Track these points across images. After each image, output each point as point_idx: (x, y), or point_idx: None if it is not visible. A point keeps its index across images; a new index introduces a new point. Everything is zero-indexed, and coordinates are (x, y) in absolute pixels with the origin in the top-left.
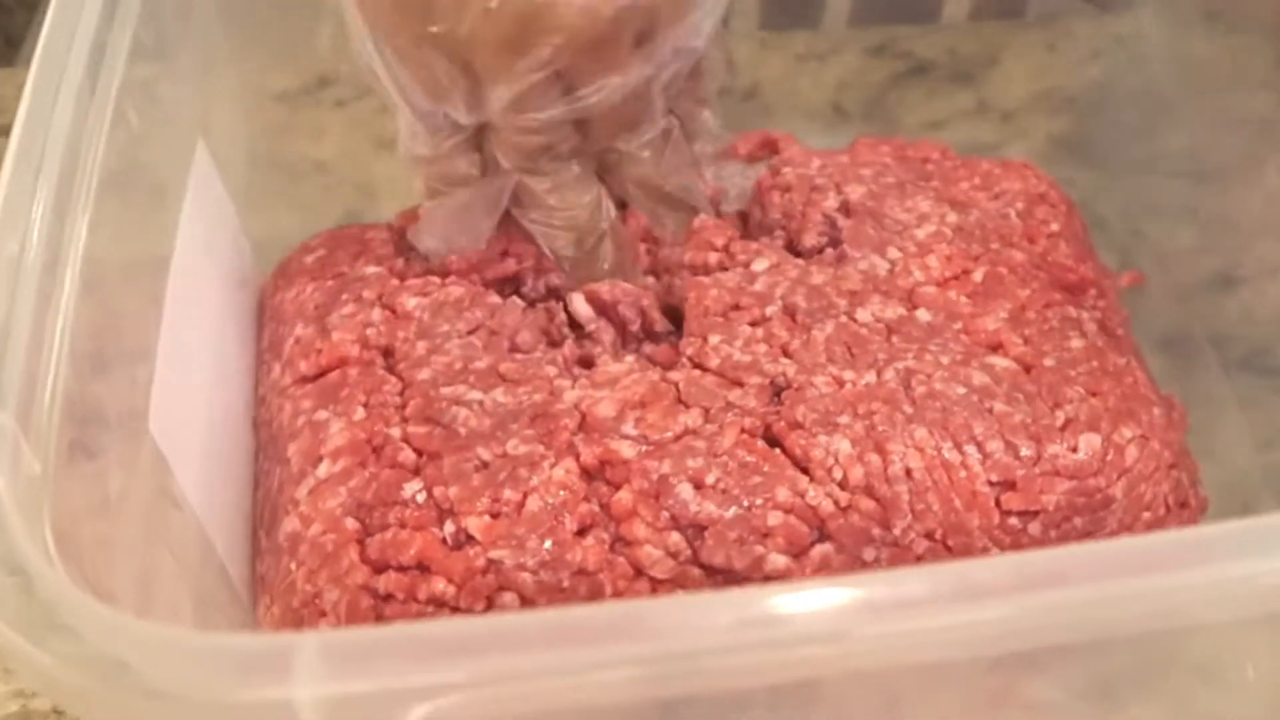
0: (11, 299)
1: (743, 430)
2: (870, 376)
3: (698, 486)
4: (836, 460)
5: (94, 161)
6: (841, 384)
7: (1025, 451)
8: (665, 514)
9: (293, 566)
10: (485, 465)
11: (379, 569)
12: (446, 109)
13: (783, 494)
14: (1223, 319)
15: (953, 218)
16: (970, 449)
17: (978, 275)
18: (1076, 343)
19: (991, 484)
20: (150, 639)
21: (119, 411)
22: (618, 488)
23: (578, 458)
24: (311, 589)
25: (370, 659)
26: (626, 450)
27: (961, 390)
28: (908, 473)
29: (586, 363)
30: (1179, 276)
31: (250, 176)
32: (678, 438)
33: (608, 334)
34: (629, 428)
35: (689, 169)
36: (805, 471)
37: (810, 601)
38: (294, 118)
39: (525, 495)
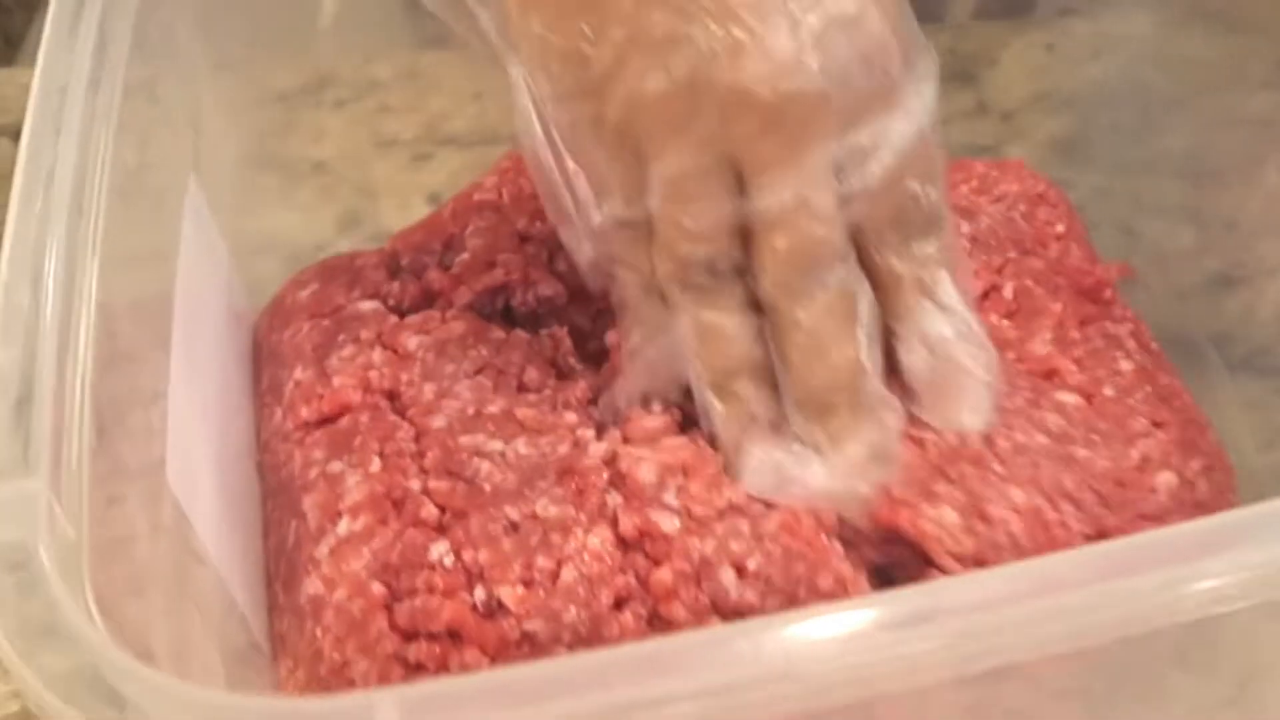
0: (32, 359)
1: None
2: (949, 435)
3: (740, 573)
4: (949, 533)
5: (99, 206)
6: (921, 444)
7: (1115, 499)
8: (705, 598)
9: (318, 633)
10: (515, 527)
11: (409, 637)
12: (615, 202)
13: (825, 583)
14: (1223, 319)
15: (965, 227)
16: (1065, 505)
17: (1007, 292)
18: (1125, 364)
19: (1086, 537)
20: (224, 709)
21: (139, 464)
22: (657, 563)
23: (613, 524)
24: (339, 657)
25: (451, 710)
26: (667, 524)
27: (1043, 439)
28: (1012, 539)
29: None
30: (1179, 276)
31: (250, 177)
32: (721, 515)
33: None
34: (670, 497)
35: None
36: (918, 548)
37: (769, 641)
38: (294, 118)
39: (559, 564)
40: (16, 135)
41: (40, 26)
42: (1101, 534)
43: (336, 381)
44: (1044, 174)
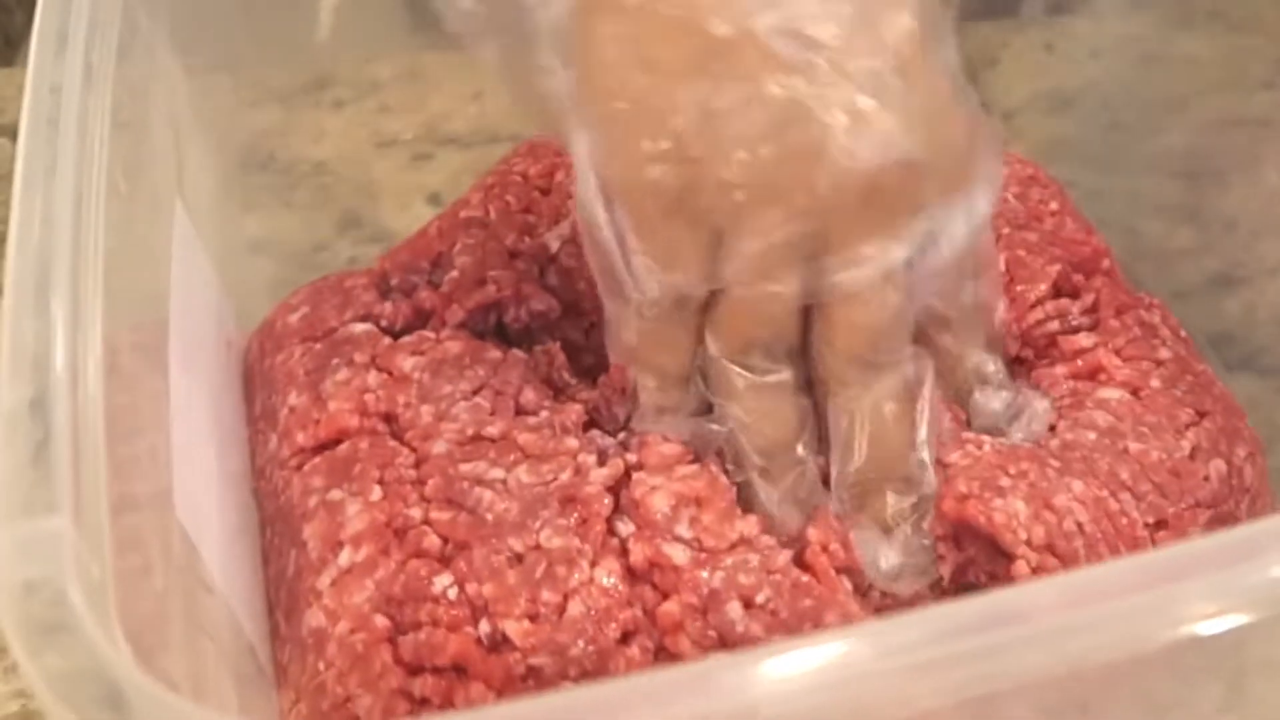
0: (46, 396)
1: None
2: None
3: (747, 606)
4: (1019, 521)
5: (98, 233)
6: (979, 446)
7: (1172, 488)
8: (712, 632)
9: (321, 666)
10: (519, 559)
11: (413, 671)
12: (677, 278)
13: (832, 619)
14: (1223, 319)
15: None
16: (1124, 495)
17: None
18: (1164, 352)
19: (1148, 525)
20: None
21: (149, 495)
22: (665, 595)
23: (620, 555)
24: (343, 691)
25: None
26: (679, 556)
27: (1092, 435)
28: (1079, 527)
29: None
30: (1179, 276)
31: (249, 177)
32: (732, 547)
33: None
34: (683, 529)
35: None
36: (992, 539)
37: (759, 671)
38: (293, 118)
39: (565, 597)
40: (15, 135)
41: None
42: (1161, 522)
43: (332, 406)
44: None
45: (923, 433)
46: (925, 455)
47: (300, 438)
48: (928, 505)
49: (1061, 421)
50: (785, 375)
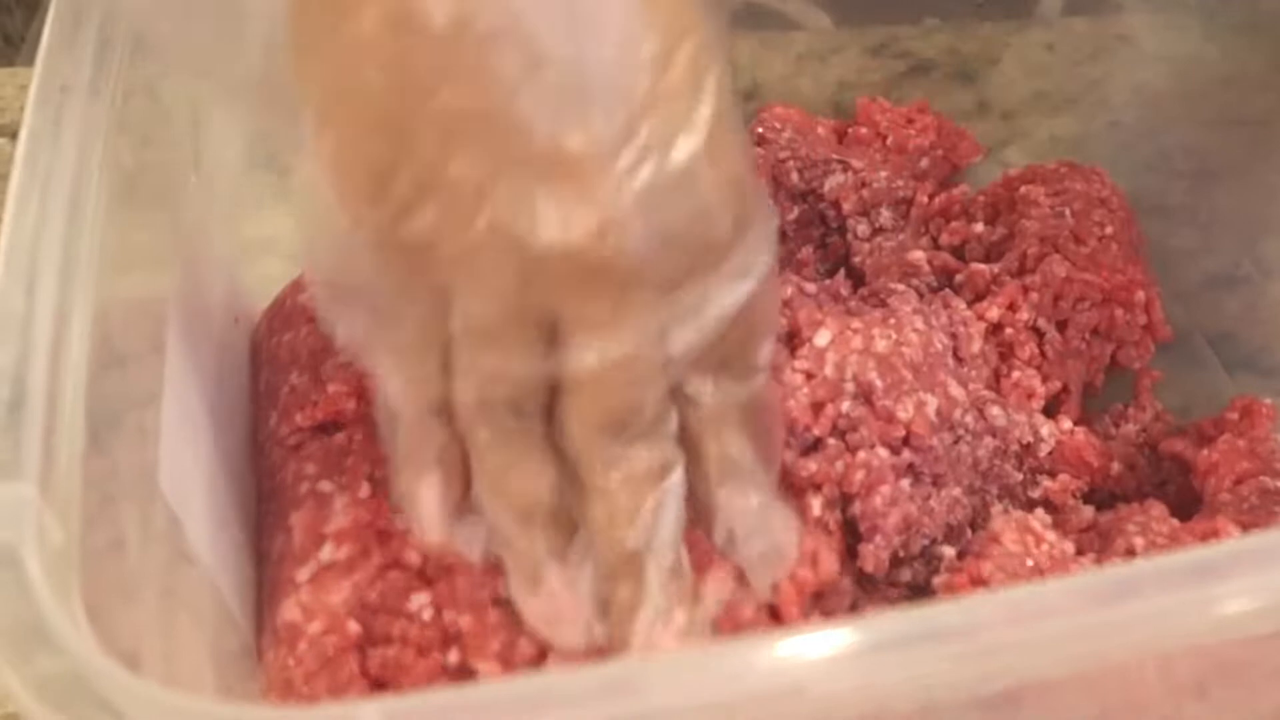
0: (25, 361)
1: None
2: None
3: None
4: None
5: (97, 208)
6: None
7: None
8: None
9: (291, 662)
10: (504, 601)
11: (378, 685)
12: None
13: None
14: (1223, 319)
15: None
16: None
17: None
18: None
19: None
20: (205, 715)
21: (132, 467)
22: None
23: None
24: (308, 692)
25: None
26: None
27: None
28: None
29: None
30: (1179, 276)
31: (250, 177)
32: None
33: None
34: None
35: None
36: None
37: (775, 654)
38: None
39: (543, 655)
40: (16, 135)
41: (40, 26)
42: None
43: (331, 388)
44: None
45: (668, 527)
46: (669, 559)
47: (299, 418)
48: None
49: None
50: (535, 432)
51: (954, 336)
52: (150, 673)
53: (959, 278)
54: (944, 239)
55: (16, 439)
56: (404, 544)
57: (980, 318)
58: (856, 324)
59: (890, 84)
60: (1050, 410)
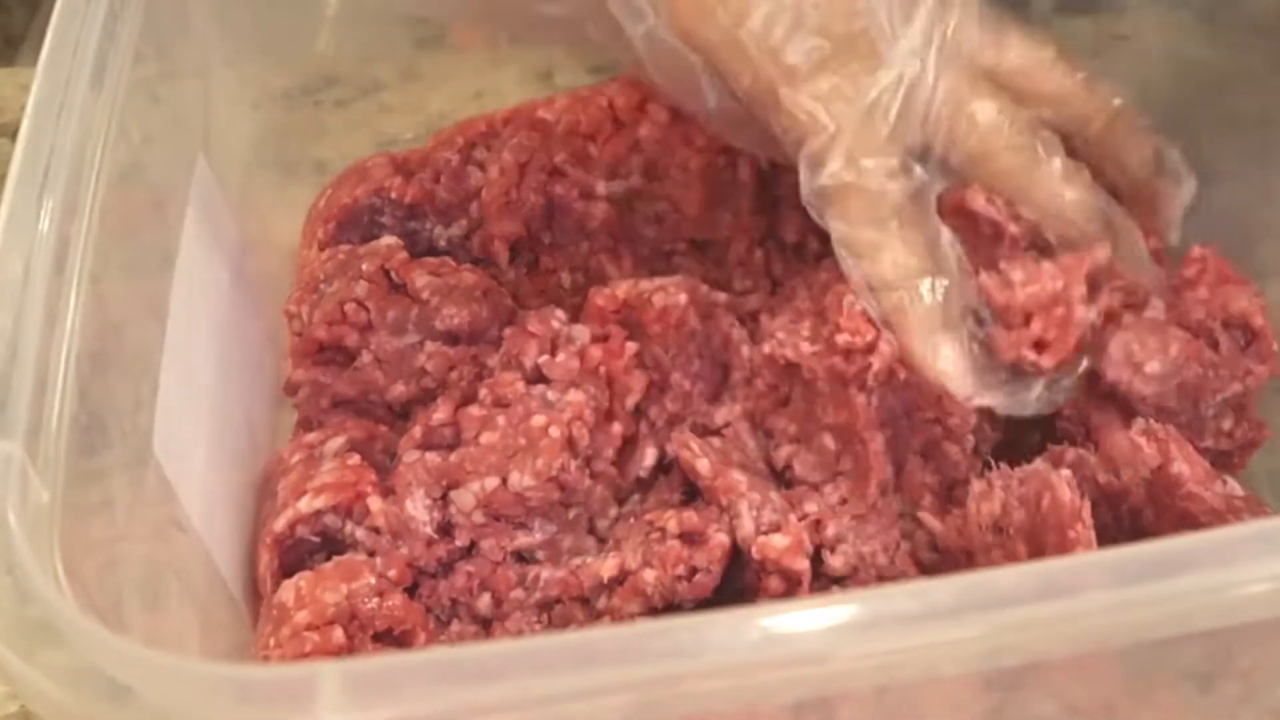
0: (17, 324)
1: None
2: None
3: None
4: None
5: (98, 176)
6: None
7: None
8: None
9: (272, 643)
10: None
11: None
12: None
13: None
14: None
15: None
16: None
17: None
18: None
19: None
20: (169, 671)
21: (124, 432)
22: None
23: None
24: None
25: (394, 687)
26: None
27: None
28: None
29: None
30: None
31: (250, 176)
32: None
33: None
34: None
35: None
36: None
37: (799, 621)
38: (294, 118)
39: None
40: (16, 135)
41: (41, 25)
42: None
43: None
44: None
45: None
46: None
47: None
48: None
49: None
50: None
51: None
52: (132, 632)
53: None
54: None
55: (4, 399)
56: (402, 562)
57: None
58: None
59: None
60: None
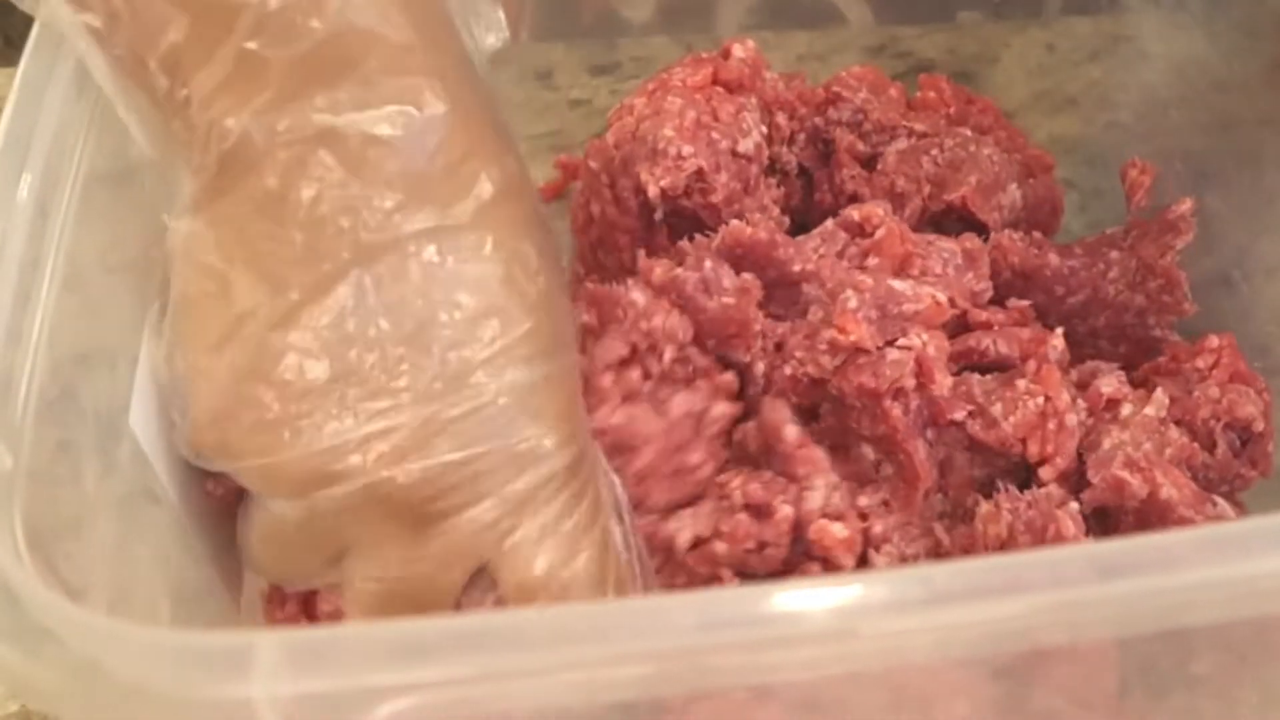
0: None
1: None
2: None
3: None
4: None
5: (81, 156)
6: None
7: None
8: None
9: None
10: None
11: None
12: None
13: None
14: (1223, 319)
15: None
16: None
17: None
18: None
19: None
20: (113, 635)
21: (97, 402)
22: None
23: None
24: None
25: (332, 658)
26: None
27: None
28: None
29: None
30: None
31: None
32: None
33: None
34: None
35: None
36: None
37: (812, 599)
38: None
39: None
40: None
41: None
42: None
43: None
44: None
45: None
46: None
47: None
48: None
49: None
50: None
51: None
52: (95, 603)
53: None
54: None
55: None
56: None
57: None
58: None
59: None
60: None
